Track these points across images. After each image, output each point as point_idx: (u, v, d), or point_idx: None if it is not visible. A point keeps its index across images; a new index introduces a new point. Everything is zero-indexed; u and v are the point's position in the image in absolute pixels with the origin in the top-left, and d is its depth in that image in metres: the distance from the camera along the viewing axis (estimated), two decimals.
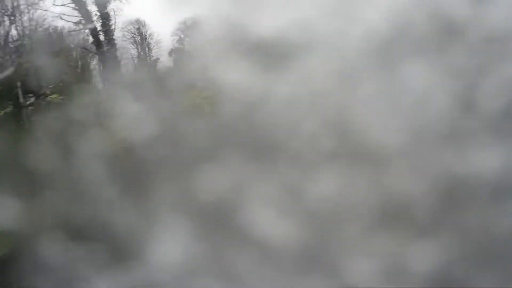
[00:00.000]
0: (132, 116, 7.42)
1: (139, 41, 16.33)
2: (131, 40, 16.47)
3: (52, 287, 6.02)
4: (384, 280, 5.75)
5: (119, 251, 6.17)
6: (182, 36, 17.72)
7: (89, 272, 6.06)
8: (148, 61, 16.64)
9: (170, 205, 6.35)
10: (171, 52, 17.13)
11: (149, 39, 16.40)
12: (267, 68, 6.76)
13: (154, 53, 16.53)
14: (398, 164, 6.15)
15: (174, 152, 6.88)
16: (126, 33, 16.69)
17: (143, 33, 16.46)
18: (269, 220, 6.16)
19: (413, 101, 6.38)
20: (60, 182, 6.81)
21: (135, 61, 16.23)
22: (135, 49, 16.58)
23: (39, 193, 6.74)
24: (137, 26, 16.50)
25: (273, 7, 6.82)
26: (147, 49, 16.34)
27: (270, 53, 6.82)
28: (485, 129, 6.17)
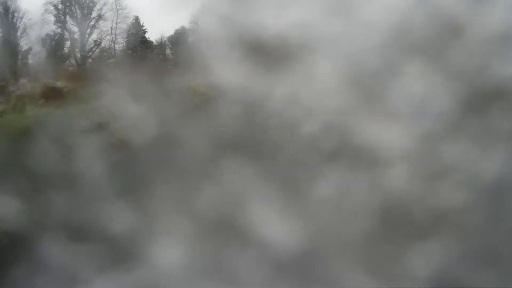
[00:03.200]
0: None
1: (5, 20, 10.44)
2: None
3: (52, 287, 6.01)
4: (385, 280, 5.76)
5: (120, 252, 6.16)
6: (58, 14, 9.86)
7: (89, 273, 6.05)
8: (18, 51, 10.72)
9: (170, 206, 6.35)
10: (45, 40, 10.78)
11: (18, 20, 10.46)
12: (267, 68, 6.75)
13: (24, 41, 10.83)
14: (398, 164, 6.15)
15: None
16: None
17: (11, 10, 10.31)
18: (269, 220, 6.16)
19: (413, 101, 6.38)
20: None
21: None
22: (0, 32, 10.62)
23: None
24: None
25: (273, 7, 6.81)
26: (14, 35, 10.62)
27: (270, 53, 6.81)
28: (485, 129, 6.18)
